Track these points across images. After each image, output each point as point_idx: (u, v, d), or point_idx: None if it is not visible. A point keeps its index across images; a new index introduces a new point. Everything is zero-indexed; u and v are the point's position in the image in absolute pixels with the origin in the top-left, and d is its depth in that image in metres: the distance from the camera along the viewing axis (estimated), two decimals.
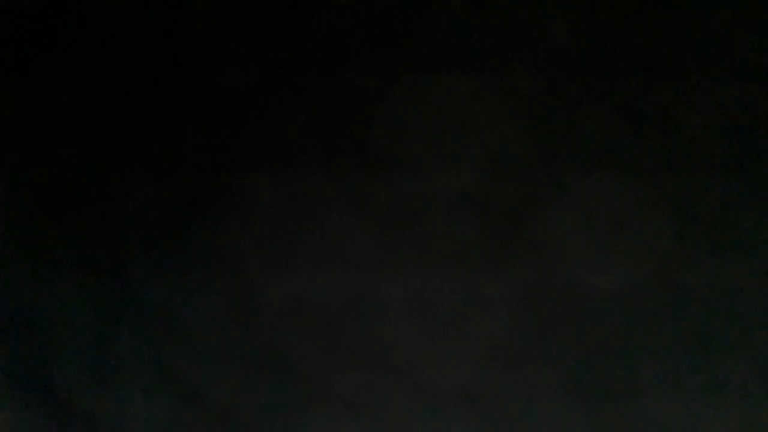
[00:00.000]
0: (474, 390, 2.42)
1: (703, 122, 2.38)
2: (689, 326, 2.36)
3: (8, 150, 2.58)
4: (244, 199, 2.50)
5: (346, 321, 2.46)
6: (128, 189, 2.54)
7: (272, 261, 2.49)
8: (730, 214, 2.36)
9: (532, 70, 2.43)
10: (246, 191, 2.50)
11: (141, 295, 2.51)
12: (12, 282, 2.55)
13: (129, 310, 2.51)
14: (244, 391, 2.48)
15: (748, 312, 2.35)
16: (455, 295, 2.43)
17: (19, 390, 2.53)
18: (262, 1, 2.53)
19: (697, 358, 2.36)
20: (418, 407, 2.43)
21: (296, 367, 2.47)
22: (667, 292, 2.37)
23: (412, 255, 2.44)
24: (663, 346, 2.36)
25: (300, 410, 2.46)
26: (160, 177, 2.53)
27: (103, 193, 2.55)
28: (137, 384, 2.50)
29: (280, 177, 2.49)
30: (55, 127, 2.58)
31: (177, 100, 2.54)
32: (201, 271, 2.50)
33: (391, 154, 2.46)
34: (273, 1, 2.52)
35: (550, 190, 2.41)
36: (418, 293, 2.44)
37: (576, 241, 2.40)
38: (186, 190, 2.52)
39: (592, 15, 2.42)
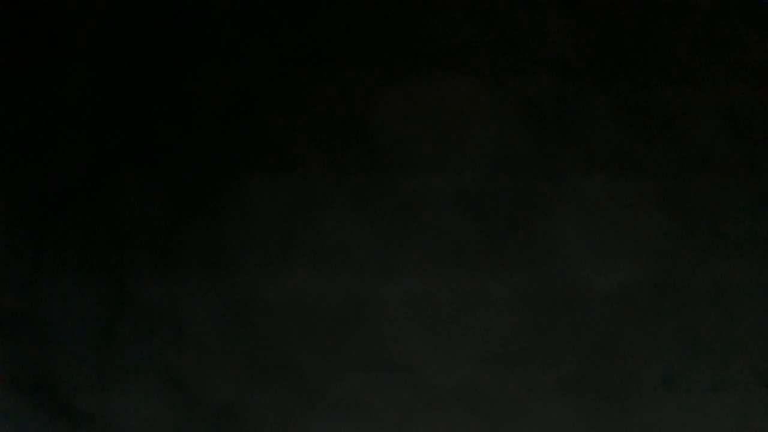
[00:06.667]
0: (474, 389, 2.42)
1: (703, 122, 2.38)
2: (689, 326, 2.36)
3: (7, 150, 2.58)
4: (244, 199, 2.50)
5: (345, 321, 2.46)
6: (127, 189, 2.54)
7: (272, 261, 2.49)
8: (730, 214, 2.37)
9: (532, 70, 2.43)
10: (245, 191, 2.50)
11: (141, 295, 2.51)
12: (12, 282, 2.55)
13: (129, 310, 2.51)
14: (243, 391, 2.48)
15: (747, 312, 2.36)
16: (455, 295, 2.43)
17: (19, 390, 2.53)
18: (261, 1, 2.53)
19: (697, 358, 2.36)
20: (418, 407, 2.43)
21: (296, 367, 2.47)
22: (667, 292, 2.37)
23: (412, 255, 2.45)
24: (663, 346, 2.37)
25: (300, 410, 2.46)
26: (159, 176, 2.53)
27: (102, 192, 2.55)
28: (137, 384, 2.50)
29: (279, 177, 2.49)
30: (53, 127, 2.58)
31: (176, 99, 2.54)
32: (201, 271, 2.51)
33: (390, 154, 2.46)
34: (273, 1, 2.52)
35: (550, 190, 2.42)
36: (417, 293, 2.44)
37: (576, 241, 2.40)
38: (185, 190, 2.53)
39: (592, 15, 2.43)
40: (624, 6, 2.42)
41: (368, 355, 2.45)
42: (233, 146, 2.51)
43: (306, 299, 2.47)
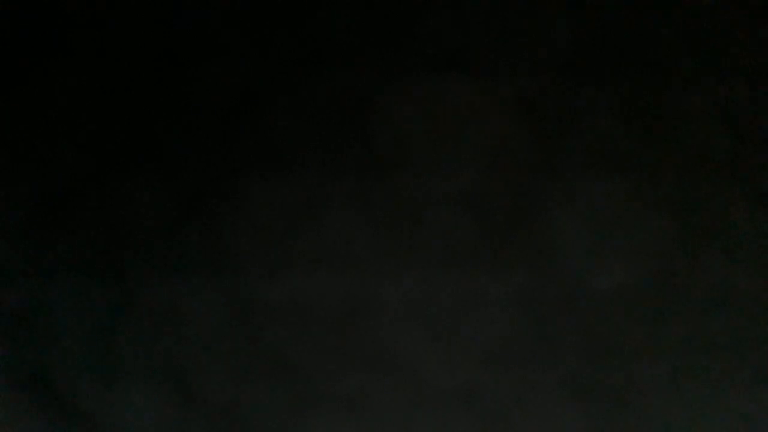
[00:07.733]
0: (474, 390, 2.42)
1: (703, 122, 2.38)
2: (689, 326, 2.36)
3: (7, 150, 2.58)
4: (244, 199, 2.50)
5: (345, 321, 2.46)
6: (128, 189, 2.54)
7: (272, 261, 2.49)
8: (730, 214, 2.37)
9: (532, 70, 2.43)
10: (246, 191, 2.50)
11: (141, 295, 2.51)
12: (12, 282, 2.55)
13: (129, 310, 2.51)
14: (244, 391, 2.48)
15: (748, 312, 2.36)
16: (455, 295, 2.43)
17: (19, 390, 2.53)
18: (262, 1, 2.53)
19: (697, 358, 2.36)
20: (418, 407, 2.43)
21: (296, 367, 2.47)
22: (667, 292, 2.37)
23: (412, 255, 2.44)
24: (663, 346, 2.37)
25: (300, 410, 2.46)
26: (159, 177, 2.53)
27: (103, 193, 2.55)
28: (137, 384, 2.50)
29: (279, 177, 2.49)
30: (54, 127, 2.58)
31: (176, 100, 2.54)
32: (201, 271, 2.50)
33: (390, 154, 2.46)
34: (273, 1, 2.52)
35: (550, 189, 2.41)
36: (417, 293, 2.44)
37: (576, 241, 2.40)
38: (185, 190, 2.52)
39: (592, 15, 2.42)
40: (624, 6, 2.41)
41: (368, 355, 2.45)
42: (233, 147, 2.51)
43: (306, 299, 2.47)
